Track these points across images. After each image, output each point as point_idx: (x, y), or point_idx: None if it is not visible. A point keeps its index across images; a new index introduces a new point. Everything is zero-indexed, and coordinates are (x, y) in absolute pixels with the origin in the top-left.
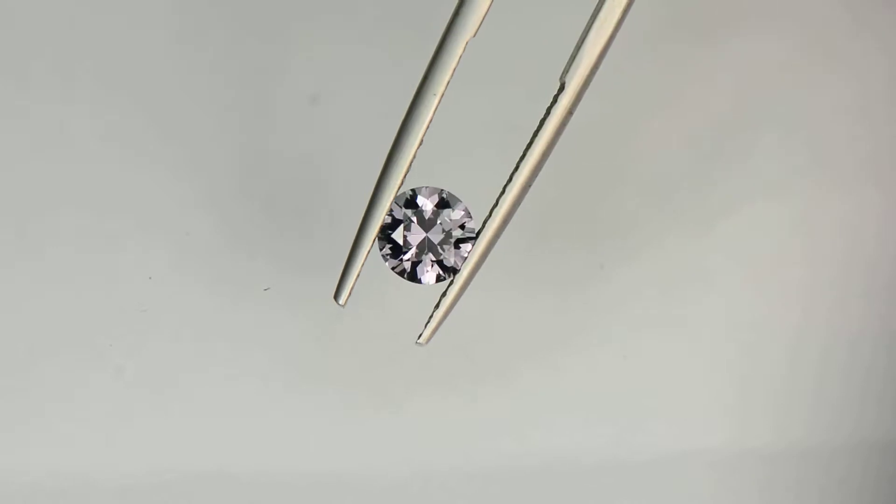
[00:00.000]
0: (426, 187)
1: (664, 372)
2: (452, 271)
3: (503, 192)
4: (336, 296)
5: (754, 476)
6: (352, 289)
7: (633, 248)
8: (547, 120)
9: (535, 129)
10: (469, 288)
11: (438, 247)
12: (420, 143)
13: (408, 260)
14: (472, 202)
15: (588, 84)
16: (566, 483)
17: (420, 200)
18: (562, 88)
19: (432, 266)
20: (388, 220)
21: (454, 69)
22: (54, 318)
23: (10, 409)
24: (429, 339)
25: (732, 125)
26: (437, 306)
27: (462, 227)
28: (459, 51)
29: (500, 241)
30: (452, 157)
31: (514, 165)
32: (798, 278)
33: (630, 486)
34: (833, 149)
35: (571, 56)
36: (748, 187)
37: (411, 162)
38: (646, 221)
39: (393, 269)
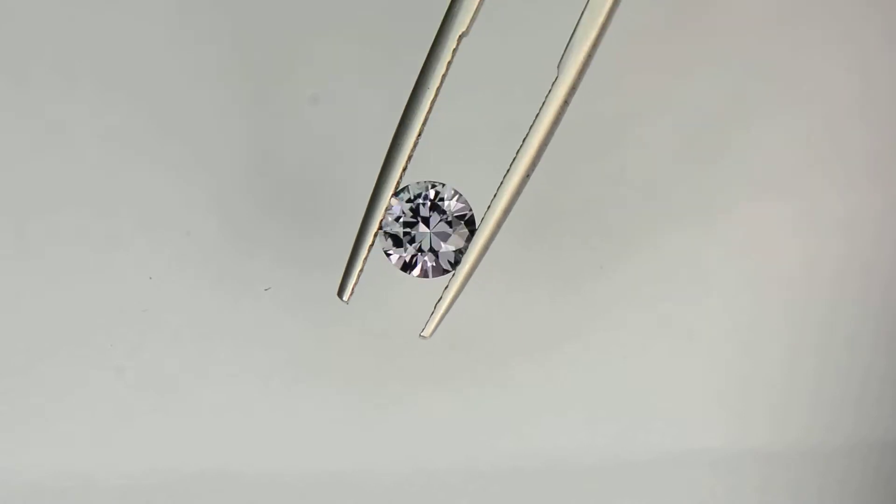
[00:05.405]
0: (426, 181)
1: (664, 372)
2: (454, 264)
3: (502, 183)
4: (340, 293)
5: (754, 476)
6: (355, 285)
7: (633, 247)
8: (543, 110)
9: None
10: (469, 287)
11: (439, 240)
12: (418, 138)
13: (409, 254)
14: (472, 195)
15: (583, 73)
16: (566, 483)
17: (420, 195)
18: (557, 78)
19: (434, 260)
20: (389, 215)
21: (448, 63)
22: (54, 318)
23: (10, 409)
24: (432, 333)
25: (731, 124)
26: (439, 299)
27: (462, 220)
28: (452, 45)
29: (499, 240)
30: (451, 151)
31: (513, 157)
32: (797, 278)
33: (630, 486)
34: (831, 148)
35: (566, 46)
36: (747, 187)
37: (410, 156)
38: (645, 221)
39: (394, 263)
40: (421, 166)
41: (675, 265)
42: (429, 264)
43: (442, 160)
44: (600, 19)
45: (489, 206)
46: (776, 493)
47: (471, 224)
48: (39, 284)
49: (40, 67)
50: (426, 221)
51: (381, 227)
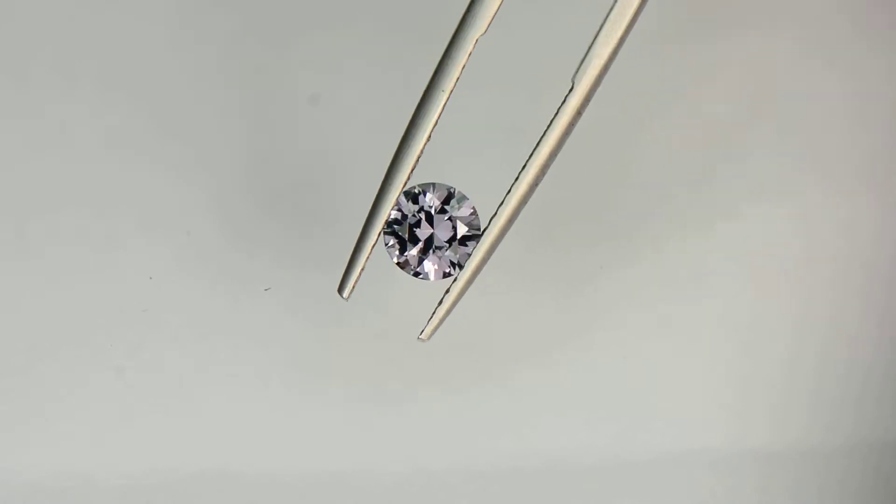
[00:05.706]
0: (433, 184)
1: (664, 372)
2: (457, 268)
3: (510, 190)
4: (340, 289)
5: (753, 476)
6: (356, 282)
7: (633, 248)
8: (555, 119)
9: (545, 128)
10: (471, 287)
11: (444, 243)
12: (428, 139)
13: (412, 255)
14: (479, 200)
15: (598, 85)
16: (566, 483)
17: (427, 196)
18: (572, 89)
19: (437, 262)
20: (395, 214)
21: (463, 66)
22: (54, 318)
23: (10, 409)
24: (430, 336)
25: (732, 127)
26: (440, 303)
27: (468, 224)
28: (469, 47)
29: (502, 240)
30: (460, 154)
31: (522, 164)
32: (797, 279)
33: (630, 486)
34: (832, 150)
35: (582, 58)
36: (748, 189)
37: (419, 158)
38: (645, 222)
39: (397, 263)
40: (429, 167)
41: (675, 265)
42: (431, 266)
43: (450, 161)
44: (618, 33)
45: (495, 213)
46: (776, 493)
47: (476, 228)
48: (39, 284)
49: (40, 67)
50: (431, 223)
51: (385, 226)
